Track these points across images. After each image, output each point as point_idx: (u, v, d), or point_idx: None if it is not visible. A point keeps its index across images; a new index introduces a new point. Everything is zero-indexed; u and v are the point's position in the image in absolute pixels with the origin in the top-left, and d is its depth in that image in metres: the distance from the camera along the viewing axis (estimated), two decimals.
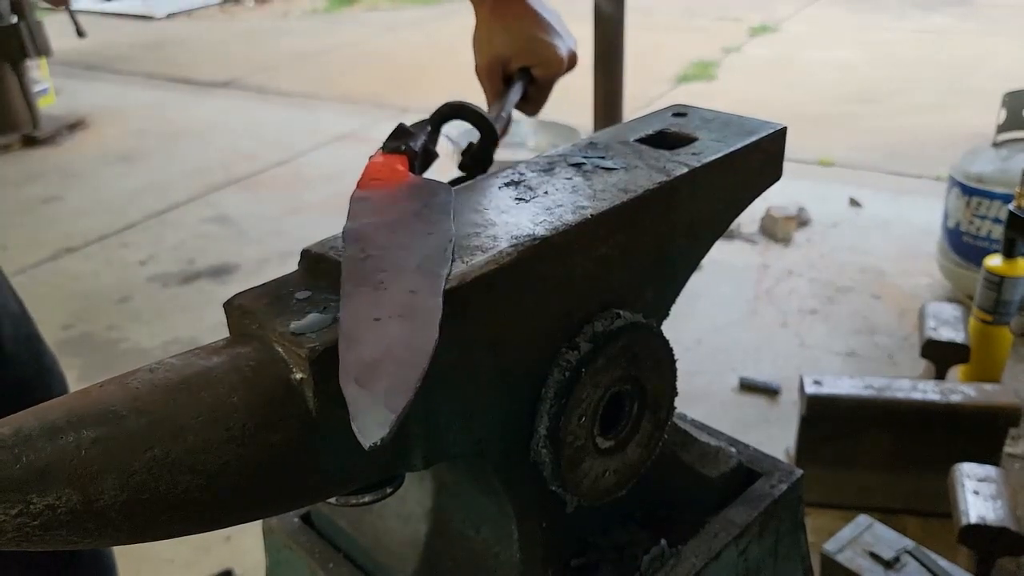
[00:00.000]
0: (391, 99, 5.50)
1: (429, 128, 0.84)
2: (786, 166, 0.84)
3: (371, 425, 0.44)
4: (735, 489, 0.82)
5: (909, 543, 1.57)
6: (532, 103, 1.06)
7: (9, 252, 3.73)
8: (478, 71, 1.04)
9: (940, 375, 2.25)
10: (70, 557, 1.33)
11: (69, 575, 1.34)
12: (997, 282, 2.24)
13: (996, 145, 2.74)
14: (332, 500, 0.59)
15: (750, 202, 0.82)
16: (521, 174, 0.73)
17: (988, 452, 1.92)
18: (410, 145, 0.78)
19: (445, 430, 0.58)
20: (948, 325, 2.26)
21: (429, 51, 6.94)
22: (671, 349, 0.72)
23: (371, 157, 0.77)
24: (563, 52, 1.03)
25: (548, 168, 0.74)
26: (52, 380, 1.31)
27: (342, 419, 0.52)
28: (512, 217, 0.65)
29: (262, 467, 0.50)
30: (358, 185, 0.71)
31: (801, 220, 3.54)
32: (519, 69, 1.03)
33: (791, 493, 0.82)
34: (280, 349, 0.52)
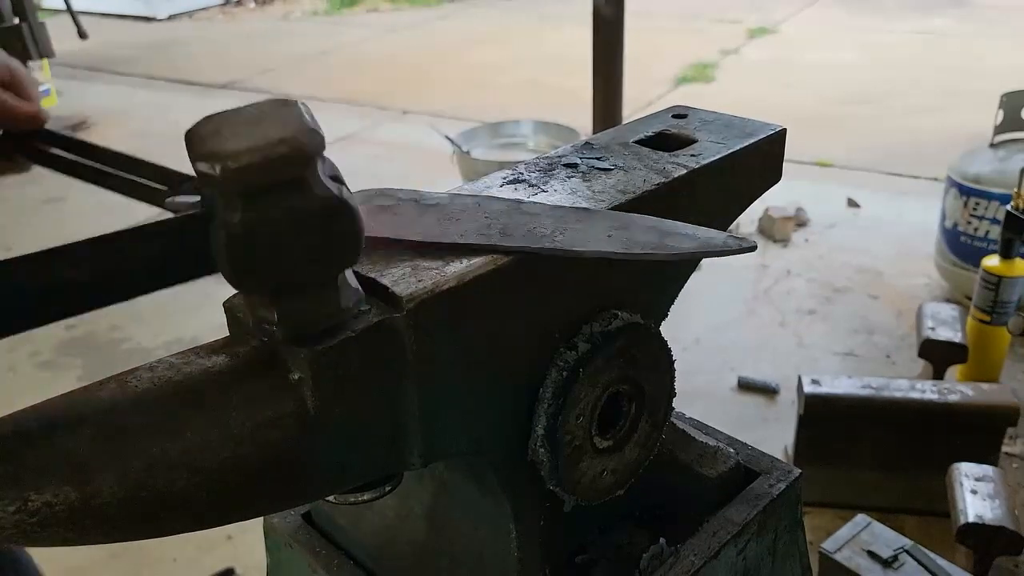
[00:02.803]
0: (392, 100, 5.49)
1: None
2: (784, 167, 0.84)
3: None
4: (734, 488, 0.82)
5: (907, 542, 1.57)
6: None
7: (12, 253, 3.72)
8: None
9: (938, 375, 2.25)
10: None
11: None
12: (995, 282, 2.24)
13: (994, 146, 2.74)
14: (331, 498, 0.59)
15: (749, 204, 0.82)
16: (520, 175, 0.73)
17: (986, 451, 1.93)
18: None
19: (443, 429, 0.58)
20: (946, 325, 2.26)
21: (430, 53, 6.95)
22: (669, 350, 0.72)
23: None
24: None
25: (547, 169, 0.74)
26: None
27: (340, 417, 0.53)
28: None
29: (260, 465, 0.50)
30: None
31: (799, 221, 3.55)
32: None
33: (789, 492, 0.82)
34: (279, 348, 0.52)
